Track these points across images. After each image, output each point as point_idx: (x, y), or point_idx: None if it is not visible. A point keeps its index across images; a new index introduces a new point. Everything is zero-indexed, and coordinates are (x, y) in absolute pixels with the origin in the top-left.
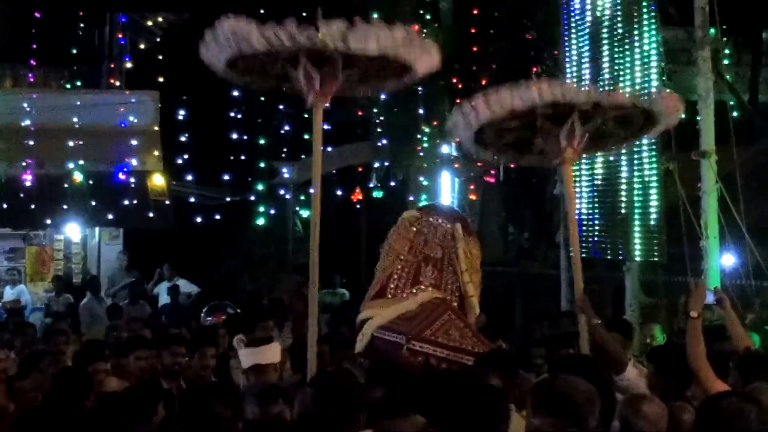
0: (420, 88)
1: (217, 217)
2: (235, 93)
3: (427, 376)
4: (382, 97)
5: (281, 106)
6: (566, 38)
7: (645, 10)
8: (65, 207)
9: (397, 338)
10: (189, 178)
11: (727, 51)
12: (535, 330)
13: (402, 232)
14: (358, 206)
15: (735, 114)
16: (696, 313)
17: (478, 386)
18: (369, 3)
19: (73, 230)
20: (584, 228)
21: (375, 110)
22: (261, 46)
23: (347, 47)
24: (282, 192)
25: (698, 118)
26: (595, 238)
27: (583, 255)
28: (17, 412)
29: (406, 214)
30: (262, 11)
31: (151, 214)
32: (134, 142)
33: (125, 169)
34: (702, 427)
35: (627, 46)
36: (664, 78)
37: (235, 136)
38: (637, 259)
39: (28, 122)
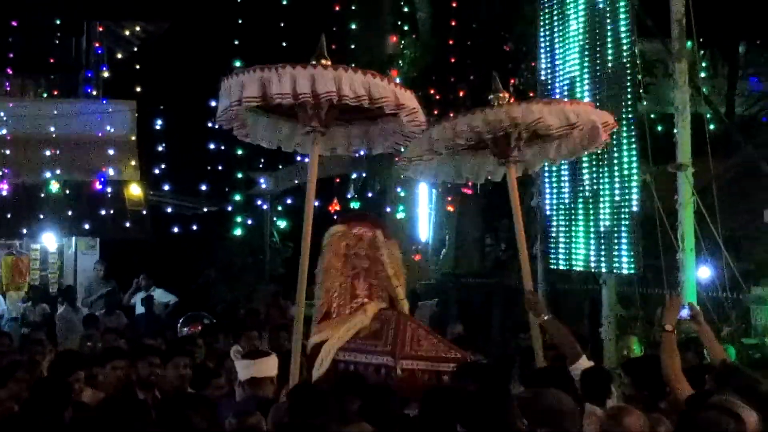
0: None
1: (195, 227)
2: (213, 103)
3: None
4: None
5: None
6: (543, 50)
7: (621, 21)
8: (42, 216)
9: (384, 360)
10: (166, 187)
11: (704, 64)
12: (511, 341)
13: (335, 248)
14: (335, 217)
15: (712, 127)
16: (670, 326)
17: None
18: (348, 15)
19: (49, 240)
20: (561, 240)
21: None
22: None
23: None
24: (259, 202)
25: (675, 130)
26: (572, 250)
27: (560, 267)
28: None
29: (333, 229)
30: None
31: (127, 224)
32: (111, 152)
33: (102, 179)
34: None
35: (603, 58)
36: (640, 90)
37: (212, 146)
38: (614, 271)
39: (4, 131)
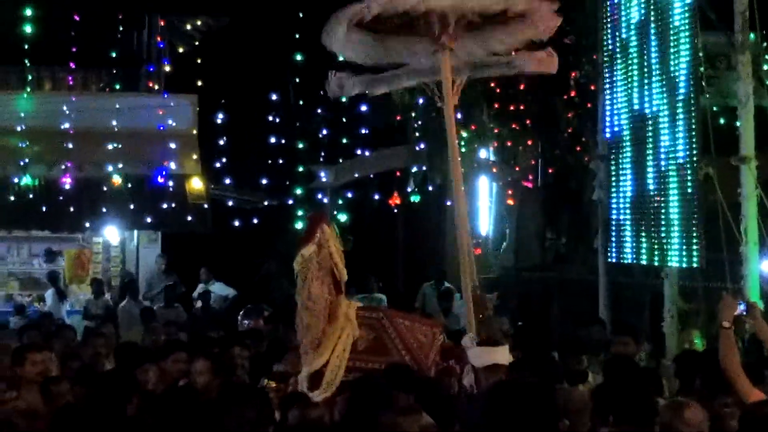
0: None
1: (255, 220)
2: (274, 97)
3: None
4: (420, 101)
5: (319, 110)
6: (604, 43)
7: (684, 14)
8: (104, 210)
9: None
10: (227, 181)
11: (767, 56)
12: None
13: (315, 274)
14: (395, 210)
15: None
16: (728, 323)
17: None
18: None
19: (111, 233)
20: (622, 233)
21: (413, 114)
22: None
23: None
24: (319, 196)
25: (738, 123)
26: (633, 244)
27: (621, 260)
28: (50, 414)
29: (307, 253)
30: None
31: (189, 218)
32: (173, 146)
33: (164, 173)
34: None
35: (665, 50)
36: (703, 83)
37: (273, 140)
38: (676, 264)
39: (67, 125)
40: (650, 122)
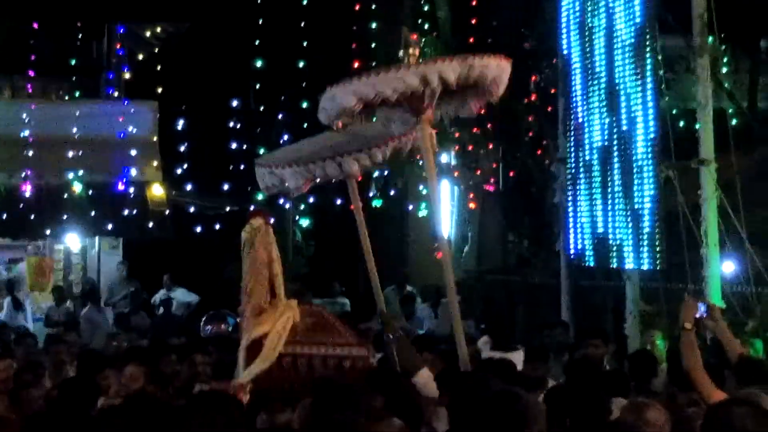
0: None
1: (217, 226)
2: (234, 102)
3: None
4: None
5: (280, 116)
6: (563, 47)
7: (642, 18)
8: (65, 217)
9: (349, 352)
10: (188, 187)
11: (725, 59)
12: (535, 340)
13: (262, 241)
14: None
15: (734, 121)
16: (689, 324)
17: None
18: (368, 15)
19: (72, 240)
20: (584, 236)
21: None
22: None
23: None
24: (281, 201)
25: (697, 125)
26: (595, 247)
27: (583, 263)
28: (20, 422)
29: (256, 223)
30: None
31: (150, 224)
32: (133, 152)
33: (124, 180)
34: None
35: (623, 55)
36: (662, 86)
37: (234, 145)
38: (637, 266)
39: (27, 133)
40: (610, 125)
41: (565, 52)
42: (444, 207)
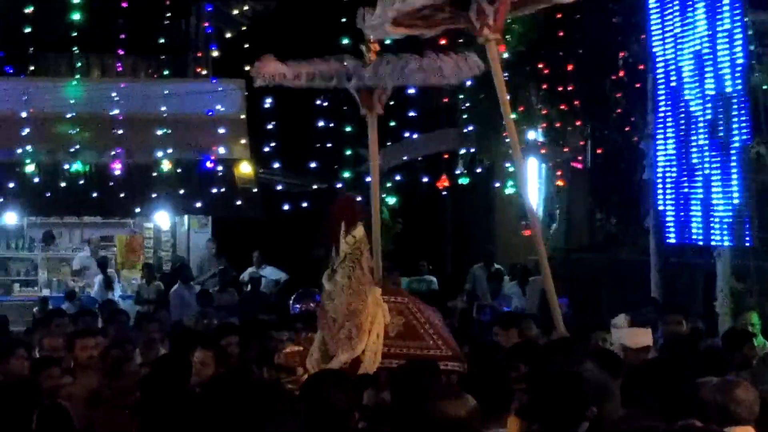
0: (506, 74)
1: (304, 204)
2: None
3: None
4: (468, 83)
5: None
6: (652, 22)
7: None
8: (154, 195)
9: (448, 366)
10: (276, 165)
11: None
12: None
13: (366, 255)
14: (444, 193)
15: None
16: None
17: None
18: None
19: (162, 218)
20: (673, 214)
21: (461, 96)
22: None
23: None
24: (368, 179)
25: None
26: (684, 224)
27: (673, 241)
28: (113, 398)
29: (359, 234)
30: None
31: (238, 202)
32: (221, 131)
33: (213, 158)
34: None
35: (713, 30)
36: (753, 61)
37: (321, 123)
38: (727, 244)
39: (116, 111)
40: (700, 102)
41: (654, 28)
42: (531, 184)
